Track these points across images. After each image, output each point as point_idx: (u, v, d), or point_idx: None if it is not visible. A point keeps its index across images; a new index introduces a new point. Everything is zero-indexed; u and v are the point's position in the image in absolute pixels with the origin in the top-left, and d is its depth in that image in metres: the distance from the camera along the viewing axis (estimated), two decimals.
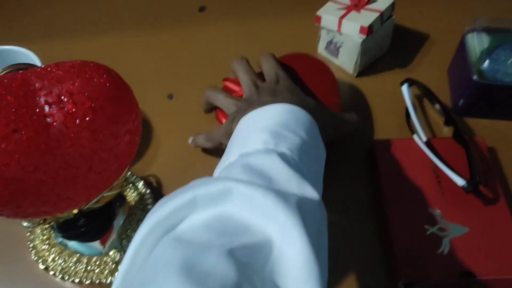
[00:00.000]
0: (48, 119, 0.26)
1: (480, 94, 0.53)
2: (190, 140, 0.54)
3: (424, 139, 0.51)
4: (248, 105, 0.45)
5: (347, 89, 0.61)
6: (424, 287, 0.43)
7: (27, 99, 0.26)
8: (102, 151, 0.28)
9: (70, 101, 0.26)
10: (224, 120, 0.53)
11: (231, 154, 0.37)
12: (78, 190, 0.28)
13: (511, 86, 0.51)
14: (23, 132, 0.25)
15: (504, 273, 0.43)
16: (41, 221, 0.43)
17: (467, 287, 0.43)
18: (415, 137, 0.51)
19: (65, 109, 0.26)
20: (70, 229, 0.46)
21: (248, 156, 0.35)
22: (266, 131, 0.37)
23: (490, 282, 0.42)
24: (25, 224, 0.42)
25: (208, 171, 0.51)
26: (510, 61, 0.52)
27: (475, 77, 0.52)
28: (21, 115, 0.25)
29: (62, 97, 0.26)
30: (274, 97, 0.45)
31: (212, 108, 0.56)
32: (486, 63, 0.51)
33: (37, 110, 0.26)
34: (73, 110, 0.26)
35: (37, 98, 0.26)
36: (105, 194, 0.44)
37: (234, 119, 0.45)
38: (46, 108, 0.26)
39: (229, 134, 0.44)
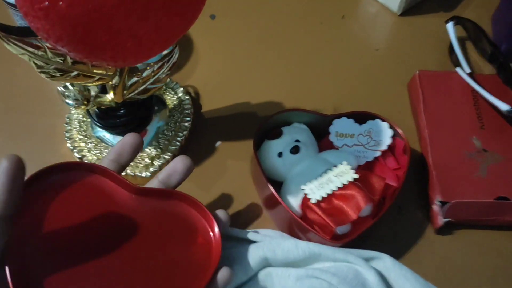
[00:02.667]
0: None
1: None
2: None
3: (468, 70, 0.50)
4: None
5: (390, 27, 0.60)
6: (460, 206, 0.43)
7: None
8: None
9: None
10: None
11: None
12: (147, 28, 0.28)
13: None
14: None
15: None
16: (85, 102, 0.43)
17: (499, 211, 0.43)
18: (458, 69, 0.51)
19: None
20: (109, 118, 0.46)
21: None
22: None
23: None
24: (69, 102, 0.42)
25: (243, 87, 0.51)
26: None
27: None
28: None
29: None
30: None
31: None
32: None
33: None
34: None
35: None
36: (149, 86, 0.45)
37: None
38: None
39: None
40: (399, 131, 0.45)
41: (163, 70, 0.44)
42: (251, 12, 0.61)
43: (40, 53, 0.36)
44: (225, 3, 0.62)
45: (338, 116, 0.46)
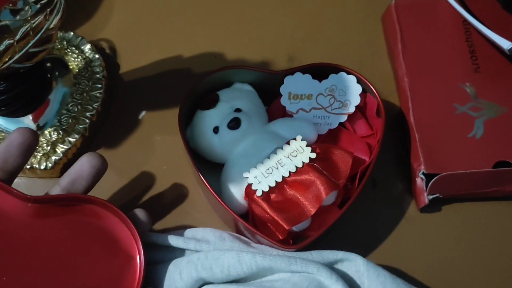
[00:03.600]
0: None
1: None
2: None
3: None
4: None
5: None
6: (449, 178, 0.33)
7: None
8: None
9: None
10: None
11: None
12: None
13: None
14: None
15: None
16: None
17: (499, 181, 0.34)
18: None
19: None
20: None
21: None
22: None
23: None
24: None
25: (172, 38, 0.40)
26: None
27: None
28: None
29: None
30: None
31: None
32: None
33: None
34: None
35: None
36: (31, 50, 0.33)
37: None
38: None
39: None
40: (371, 86, 0.34)
41: (46, 25, 0.32)
42: None
43: None
44: None
45: (291, 71, 0.35)
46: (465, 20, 0.39)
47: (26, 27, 0.32)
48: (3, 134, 0.37)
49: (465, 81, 0.37)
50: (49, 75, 0.38)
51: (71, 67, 0.39)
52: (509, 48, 0.34)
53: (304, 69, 0.35)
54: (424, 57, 0.38)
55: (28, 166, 0.35)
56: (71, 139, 0.36)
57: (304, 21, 0.43)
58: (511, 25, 0.38)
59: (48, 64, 0.39)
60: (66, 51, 0.39)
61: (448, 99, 0.36)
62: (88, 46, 0.40)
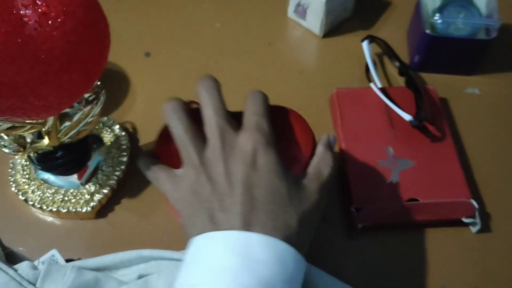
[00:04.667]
0: (24, 19, 0.30)
1: (432, 47, 0.58)
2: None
3: (380, 86, 0.55)
4: (210, 204, 0.33)
5: (314, 49, 0.65)
6: (373, 211, 0.47)
7: (5, 1, 0.30)
8: (72, 52, 0.32)
9: (44, 4, 0.30)
10: (178, 217, 0.38)
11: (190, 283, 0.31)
12: (50, 88, 0.32)
13: (460, 39, 0.56)
14: (1, 27, 0.29)
15: (443, 197, 0.47)
16: (21, 149, 0.46)
17: (412, 213, 0.47)
18: (371, 85, 0.56)
19: (39, 10, 0.30)
20: (48, 161, 0.49)
21: None
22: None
23: (431, 205, 0.47)
24: (6, 150, 0.45)
25: None
26: (461, 15, 0.57)
27: (427, 30, 0.56)
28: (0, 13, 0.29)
29: (37, 1, 0.30)
30: (250, 217, 0.32)
31: None
32: (437, 17, 0.56)
33: (14, 11, 0.30)
34: (46, 11, 0.30)
35: (14, 2, 0.30)
36: (81, 129, 0.48)
37: (194, 224, 0.34)
38: (23, 10, 0.30)
39: (184, 233, 0.35)
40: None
41: (92, 113, 0.48)
42: (185, 47, 0.65)
43: None
44: (159, 40, 0.66)
45: None
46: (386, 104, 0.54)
47: (79, 113, 0.47)
48: (56, 187, 0.51)
49: (386, 144, 0.51)
50: (89, 147, 0.53)
51: (105, 141, 0.54)
52: (409, 119, 0.50)
53: None
54: (357, 129, 0.53)
55: (73, 210, 0.49)
56: (104, 191, 0.50)
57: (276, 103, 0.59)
58: (413, 102, 0.53)
59: (89, 140, 0.54)
60: (101, 130, 0.55)
61: (374, 156, 0.51)
62: (117, 126, 0.55)
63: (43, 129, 0.45)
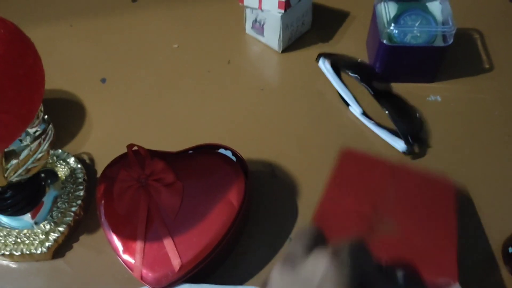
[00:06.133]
0: None
1: (390, 57, 0.57)
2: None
3: (359, 110, 0.54)
4: None
5: (274, 65, 0.64)
6: None
7: None
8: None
9: None
10: None
11: None
12: None
13: (417, 47, 0.56)
14: None
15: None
16: None
17: None
18: (350, 108, 0.54)
19: None
20: None
21: None
22: None
23: None
24: None
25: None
26: (417, 24, 0.56)
27: (384, 40, 0.56)
28: None
29: None
30: None
31: None
32: (393, 27, 0.55)
33: None
34: None
35: None
36: (30, 166, 0.46)
37: None
38: None
39: None
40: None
41: (40, 148, 0.45)
42: (140, 71, 0.63)
43: None
44: (115, 65, 0.64)
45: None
46: None
47: (27, 150, 0.45)
48: (7, 229, 0.48)
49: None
50: (43, 183, 0.51)
51: (59, 175, 0.52)
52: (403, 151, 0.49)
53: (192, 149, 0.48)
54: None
55: (27, 252, 0.47)
56: (60, 229, 0.48)
57: (236, 120, 0.58)
58: None
59: (42, 175, 0.51)
60: (55, 164, 0.53)
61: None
62: (72, 159, 0.53)
63: None
